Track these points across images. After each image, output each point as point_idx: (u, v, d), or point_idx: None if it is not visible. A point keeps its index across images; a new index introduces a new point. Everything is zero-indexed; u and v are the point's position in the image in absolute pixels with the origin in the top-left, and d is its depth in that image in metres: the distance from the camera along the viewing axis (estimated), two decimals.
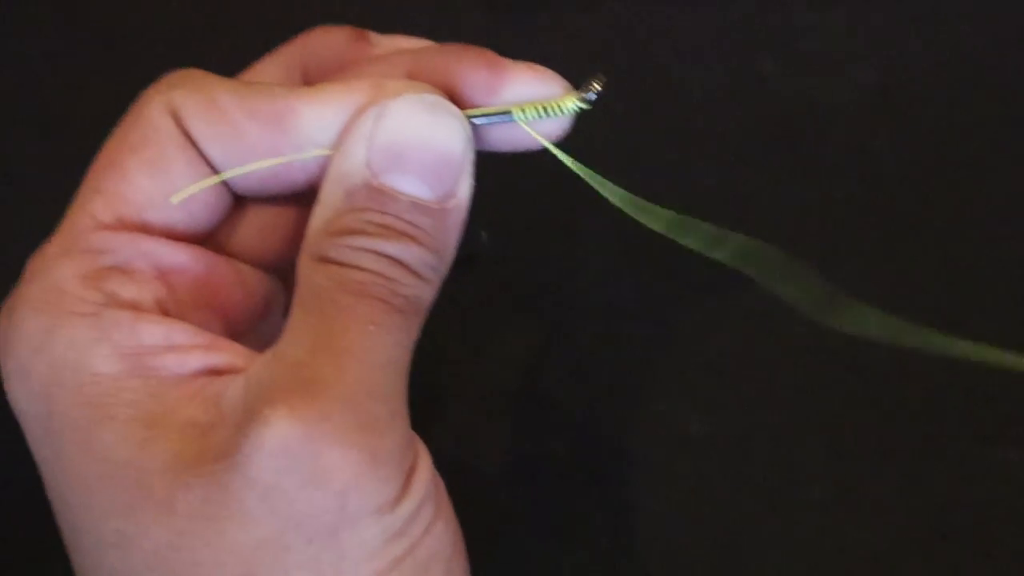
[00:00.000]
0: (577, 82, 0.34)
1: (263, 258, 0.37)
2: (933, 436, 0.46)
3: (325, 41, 0.38)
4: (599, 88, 0.33)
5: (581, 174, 0.34)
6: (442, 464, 0.33)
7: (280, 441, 0.29)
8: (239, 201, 0.36)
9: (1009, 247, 0.50)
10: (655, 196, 0.50)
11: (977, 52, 0.56)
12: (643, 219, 0.35)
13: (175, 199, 0.33)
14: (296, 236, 0.37)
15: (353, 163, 0.33)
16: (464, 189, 0.34)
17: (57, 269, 0.32)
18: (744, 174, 0.51)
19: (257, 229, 0.36)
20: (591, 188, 0.34)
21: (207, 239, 0.35)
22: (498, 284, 0.46)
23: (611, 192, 0.34)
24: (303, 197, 0.35)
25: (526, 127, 0.34)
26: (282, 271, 0.38)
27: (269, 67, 0.38)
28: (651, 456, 0.44)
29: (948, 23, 0.57)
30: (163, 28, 0.61)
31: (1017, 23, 0.52)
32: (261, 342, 0.37)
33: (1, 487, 0.47)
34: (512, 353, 0.46)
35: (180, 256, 0.34)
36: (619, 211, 0.34)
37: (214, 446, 0.30)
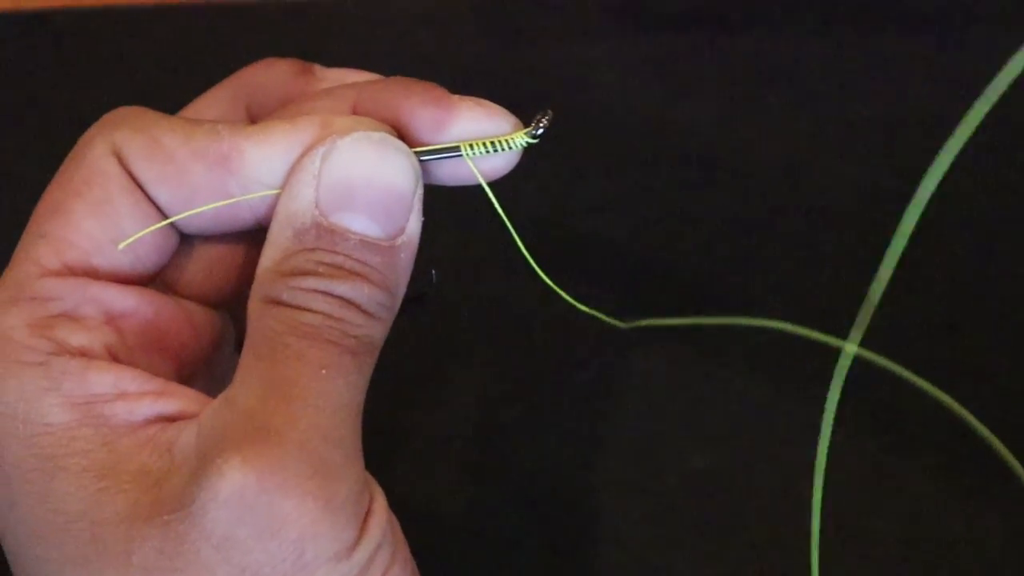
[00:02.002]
0: (527, 118, 0.34)
1: (211, 296, 0.36)
2: (935, 472, 0.46)
3: (269, 74, 0.37)
4: (546, 124, 0.34)
5: (507, 225, 0.34)
6: (400, 506, 0.33)
7: (234, 491, 0.29)
8: (186, 239, 0.36)
9: (1018, 282, 0.51)
10: (656, 224, 0.51)
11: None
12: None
13: (122, 245, 0.33)
14: (244, 273, 0.37)
15: (301, 203, 0.33)
16: (414, 225, 0.34)
17: (4, 318, 0.32)
18: (747, 206, 0.51)
19: (205, 267, 0.36)
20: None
21: (154, 279, 0.35)
22: (448, 323, 0.46)
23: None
24: (250, 234, 0.35)
25: (471, 165, 0.34)
26: (231, 308, 0.38)
27: (212, 102, 0.37)
28: (611, 492, 0.45)
29: (951, 59, 0.58)
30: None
31: None
32: (211, 381, 0.37)
33: None
34: (464, 392, 0.46)
35: (128, 300, 0.33)
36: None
37: (168, 496, 0.30)
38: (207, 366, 0.36)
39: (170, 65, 0.57)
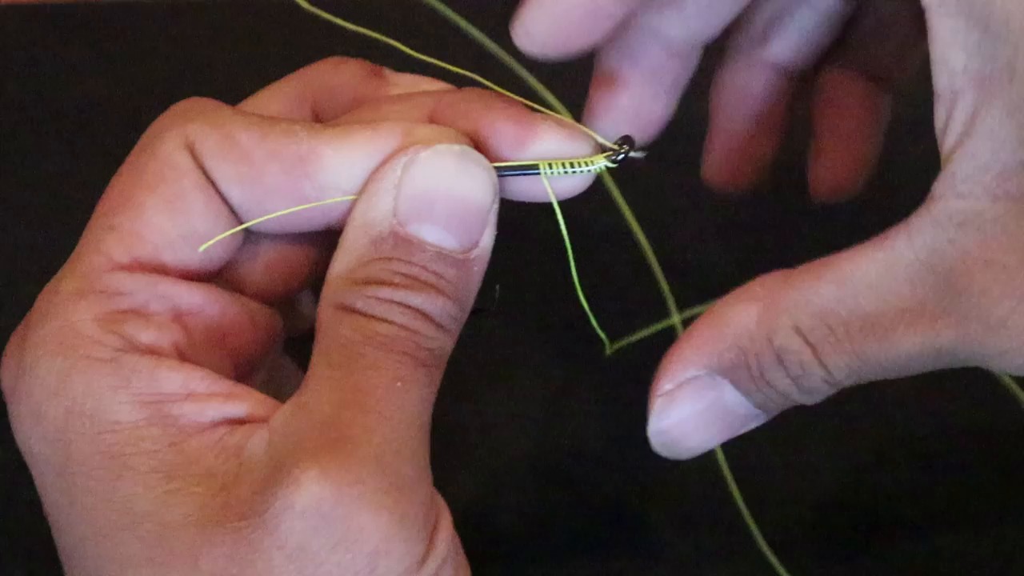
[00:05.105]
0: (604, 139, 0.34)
1: (269, 293, 0.36)
2: (951, 476, 0.48)
3: (337, 74, 0.37)
4: (628, 150, 0.34)
5: (567, 246, 0.35)
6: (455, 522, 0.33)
7: (311, 502, 0.29)
8: (249, 236, 0.35)
9: None
10: (669, 214, 0.51)
11: None
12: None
13: (203, 248, 0.33)
14: (304, 273, 0.36)
15: (379, 211, 0.32)
16: (487, 240, 0.33)
17: (72, 310, 0.31)
18: (758, 199, 0.52)
19: (266, 265, 0.36)
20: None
21: (217, 275, 0.35)
22: (502, 337, 0.46)
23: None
24: (314, 235, 0.35)
25: (547, 184, 0.34)
26: (282, 306, 0.37)
27: (276, 97, 0.37)
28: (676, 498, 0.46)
29: None
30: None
31: None
32: (259, 379, 0.37)
33: None
34: (515, 405, 0.46)
35: (195, 297, 0.33)
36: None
37: (238, 501, 0.30)
38: (259, 364, 0.36)
39: (186, 60, 0.57)
